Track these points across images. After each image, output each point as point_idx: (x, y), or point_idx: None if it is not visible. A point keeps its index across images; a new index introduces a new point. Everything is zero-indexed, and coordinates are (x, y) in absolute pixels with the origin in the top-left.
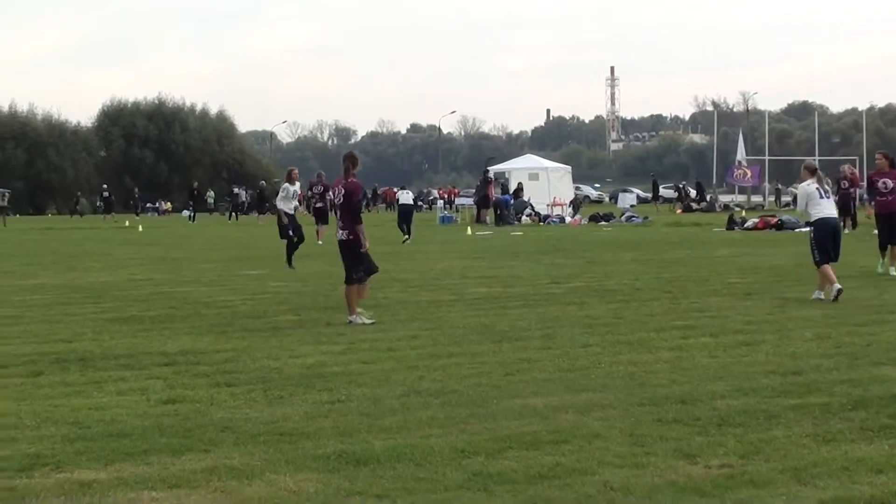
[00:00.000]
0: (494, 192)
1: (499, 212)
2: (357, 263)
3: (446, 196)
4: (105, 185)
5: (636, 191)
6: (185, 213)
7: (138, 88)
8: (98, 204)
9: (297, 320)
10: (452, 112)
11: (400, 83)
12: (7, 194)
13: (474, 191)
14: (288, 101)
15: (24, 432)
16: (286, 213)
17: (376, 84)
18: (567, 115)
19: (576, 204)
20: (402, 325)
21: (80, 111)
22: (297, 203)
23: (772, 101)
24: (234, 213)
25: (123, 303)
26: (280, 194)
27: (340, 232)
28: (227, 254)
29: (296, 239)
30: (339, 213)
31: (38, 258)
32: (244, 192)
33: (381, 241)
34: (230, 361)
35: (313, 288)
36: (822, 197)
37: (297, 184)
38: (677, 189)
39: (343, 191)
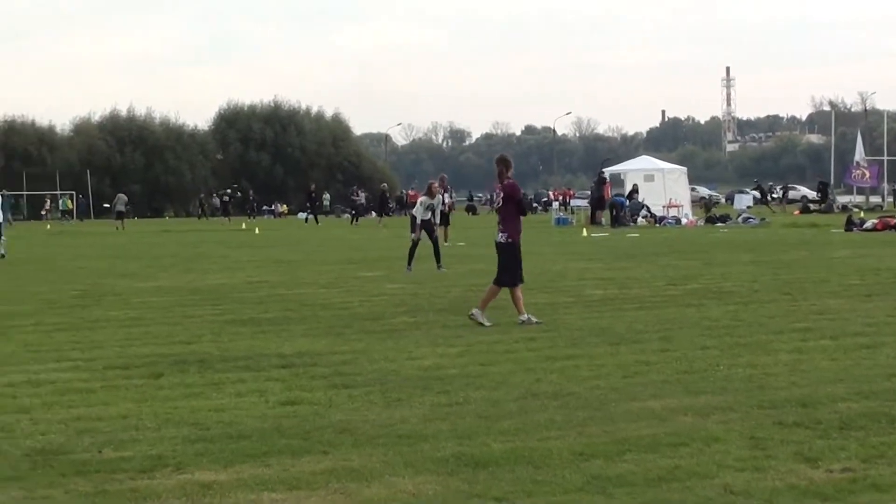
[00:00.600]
0: (610, 193)
1: (614, 213)
2: (511, 268)
3: (561, 198)
4: (235, 185)
5: (752, 192)
6: (302, 215)
7: (255, 91)
8: (220, 204)
9: (413, 322)
10: (567, 113)
11: (514, 84)
12: (125, 200)
13: (589, 192)
14: (402, 103)
15: (146, 434)
16: (420, 220)
17: (490, 85)
18: (682, 116)
19: (708, 204)
20: (519, 328)
21: (198, 114)
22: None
23: (891, 99)
24: (355, 217)
25: (241, 305)
26: (418, 207)
27: (500, 234)
28: (344, 256)
29: (415, 240)
30: (499, 215)
31: (157, 261)
32: (363, 195)
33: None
34: (347, 363)
35: (430, 290)
36: None
37: (439, 196)
38: (759, 189)
39: (502, 193)
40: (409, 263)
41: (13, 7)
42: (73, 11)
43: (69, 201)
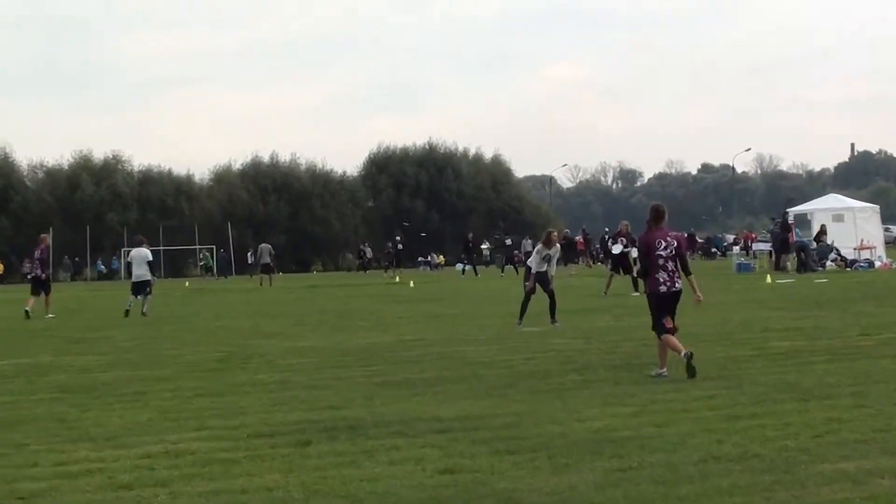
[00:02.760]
0: (795, 236)
1: (800, 257)
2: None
3: (742, 241)
4: (398, 238)
5: None
6: (459, 266)
7: (407, 135)
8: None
9: (582, 380)
10: (747, 150)
11: (689, 121)
12: (270, 250)
13: (772, 235)
14: (568, 144)
15: None
16: (535, 271)
17: (663, 123)
18: (874, 150)
19: None
20: (696, 385)
21: (347, 160)
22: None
23: None
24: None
25: (394, 365)
26: (534, 257)
27: (677, 284)
28: (505, 309)
29: (528, 291)
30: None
31: (304, 318)
32: (529, 242)
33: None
34: (511, 427)
35: (598, 345)
36: None
37: (556, 246)
38: None
39: (676, 242)
40: (521, 317)
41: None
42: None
43: (209, 256)
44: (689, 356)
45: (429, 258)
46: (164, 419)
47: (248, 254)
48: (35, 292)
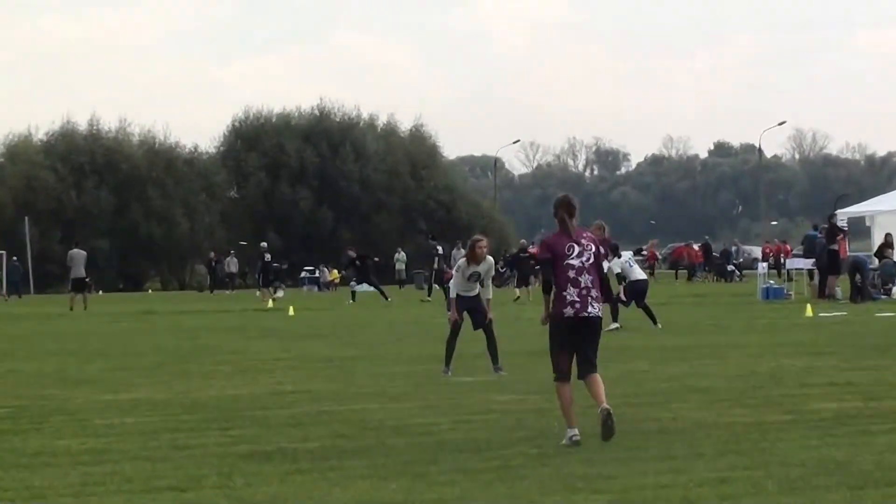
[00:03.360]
0: (848, 249)
1: (856, 280)
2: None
3: (772, 256)
4: (264, 245)
5: None
6: (356, 286)
7: (288, 96)
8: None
9: (537, 455)
10: (781, 124)
11: (695, 85)
12: (84, 258)
13: (814, 247)
14: (522, 114)
15: None
16: (456, 295)
17: (658, 87)
18: None
19: None
20: (703, 462)
21: (199, 131)
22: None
23: None
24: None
25: (266, 429)
26: (456, 276)
27: (593, 307)
28: (427, 350)
29: (451, 322)
30: (585, 277)
31: (134, 359)
32: (459, 250)
33: (673, 328)
34: None
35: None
36: None
37: (488, 260)
38: None
39: (593, 247)
40: (447, 362)
41: None
42: None
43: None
44: (607, 414)
45: (317, 273)
46: None
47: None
48: None
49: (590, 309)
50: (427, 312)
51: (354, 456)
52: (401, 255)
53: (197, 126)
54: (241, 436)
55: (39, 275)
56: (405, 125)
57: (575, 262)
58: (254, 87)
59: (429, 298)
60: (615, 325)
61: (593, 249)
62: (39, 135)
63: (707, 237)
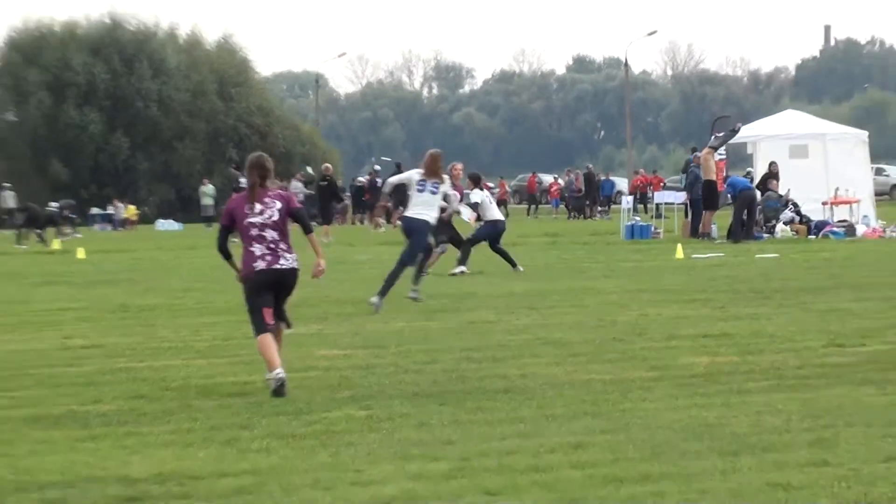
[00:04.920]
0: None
1: (735, 216)
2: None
3: (638, 189)
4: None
5: None
6: (163, 223)
7: (73, 2)
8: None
9: (366, 417)
10: (651, 33)
11: None
12: None
13: (684, 177)
14: (349, 23)
15: None
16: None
17: None
18: (861, 39)
19: None
20: (556, 425)
21: None
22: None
23: None
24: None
25: (52, 389)
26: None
27: (285, 259)
28: (238, 298)
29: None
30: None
31: None
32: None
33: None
34: (245, 493)
35: (393, 359)
36: None
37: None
38: None
39: (280, 203)
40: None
41: None
42: None
43: None
44: (280, 383)
45: (110, 210)
46: None
47: None
48: None
49: (280, 261)
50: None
51: (155, 420)
52: (208, 188)
53: None
54: (24, 398)
55: None
56: (211, 37)
57: (257, 220)
58: None
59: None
60: (461, 268)
61: (278, 206)
62: None
63: (588, 166)
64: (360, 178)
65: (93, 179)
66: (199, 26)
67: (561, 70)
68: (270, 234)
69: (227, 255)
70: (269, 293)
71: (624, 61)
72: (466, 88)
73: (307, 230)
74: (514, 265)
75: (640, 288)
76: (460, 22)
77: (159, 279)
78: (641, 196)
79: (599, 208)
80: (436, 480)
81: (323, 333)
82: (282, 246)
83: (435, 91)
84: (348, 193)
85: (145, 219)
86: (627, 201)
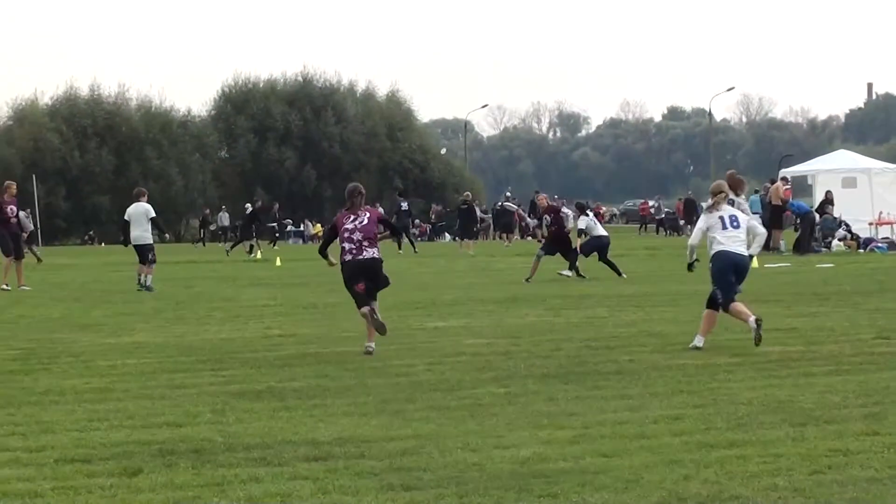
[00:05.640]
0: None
1: (799, 235)
2: None
3: None
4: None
5: None
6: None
7: (274, 63)
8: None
9: (505, 394)
10: (730, 89)
11: (651, 50)
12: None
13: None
14: (490, 78)
15: None
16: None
17: (617, 52)
18: None
19: None
20: (658, 401)
21: (191, 95)
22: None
23: None
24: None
25: (255, 369)
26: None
27: (367, 251)
28: (404, 297)
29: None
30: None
31: (134, 306)
32: (445, 209)
33: (629, 278)
34: (409, 454)
35: (526, 347)
36: None
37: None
38: None
39: (367, 215)
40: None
41: None
42: None
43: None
44: (368, 352)
45: (301, 228)
46: None
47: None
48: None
49: (363, 253)
50: (403, 263)
51: (337, 394)
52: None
53: (190, 91)
54: (232, 376)
55: (47, 229)
56: (382, 90)
57: (349, 226)
58: (243, 54)
59: (400, 251)
60: (568, 272)
61: (367, 216)
62: (45, 99)
63: (689, 192)
64: (507, 204)
65: (287, 204)
66: (372, 82)
67: (658, 118)
68: (357, 235)
69: (324, 255)
70: (358, 277)
71: (708, 111)
72: (583, 132)
73: (394, 233)
74: (619, 273)
75: None
76: (579, 78)
77: (340, 282)
78: None
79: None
80: (562, 445)
81: (470, 326)
82: (365, 244)
83: (558, 134)
84: (490, 215)
85: None
86: None
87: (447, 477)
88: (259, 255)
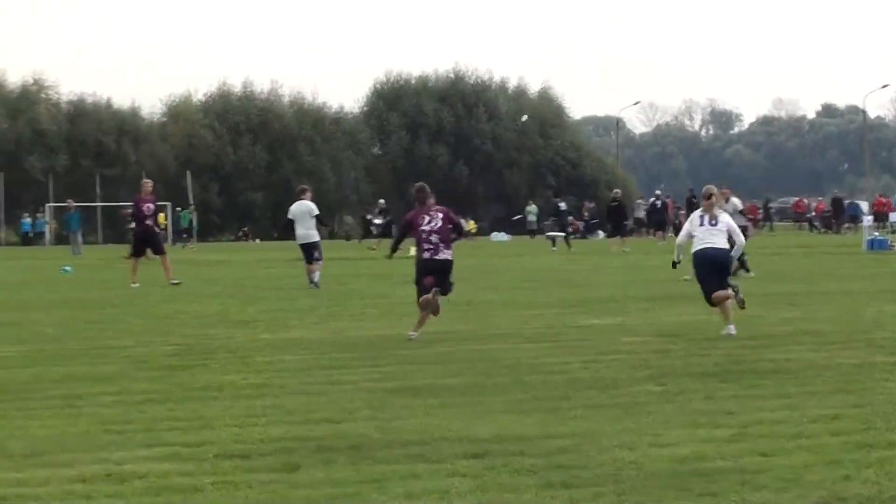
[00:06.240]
0: None
1: None
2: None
3: (878, 210)
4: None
5: None
6: (497, 235)
7: (425, 60)
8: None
9: (662, 392)
10: (884, 86)
11: (804, 47)
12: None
13: None
14: (642, 76)
15: None
16: None
17: (769, 49)
18: None
19: None
20: (816, 400)
21: (344, 92)
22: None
23: None
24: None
25: (411, 365)
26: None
27: (442, 253)
28: (558, 295)
29: None
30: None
31: (288, 302)
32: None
33: (785, 276)
34: (566, 452)
35: (683, 345)
36: None
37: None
38: None
39: (440, 215)
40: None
41: None
42: None
43: (190, 215)
44: (411, 339)
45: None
46: (105, 431)
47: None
48: None
49: (439, 254)
50: (556, 260)
51: (494, 392)
52: (532, 208)
53: (342, 88)
54: (389, 372)
55: (202, 224)
56: (533, 87)
57: (426, 227)
58: (394, 51)
59: (554, 248)
60: (743, 272)
61: (440, 216)
62: (198, 96)
63: (836, 191)
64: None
65: (439, 201)
66: (524, 79)
67: (811, 115)
68: (434, 238)
69: (395, 249)
70: (430, 274)
71: (862, 108)
72: (736, 129)
73: (460, 234)
74: (747, 270)
75: (880, 289)
76: (731, 76)
77: (494, 280)
78: (880, 215)
79: (846, 225)
80: (720, 443)
81: (625, 324)
82: (441, 246)
83: (711, 131)
84: (644, 212)
85: (482, 231)
86: (868, 220)
87: (605, 475)
88: (412, 252)
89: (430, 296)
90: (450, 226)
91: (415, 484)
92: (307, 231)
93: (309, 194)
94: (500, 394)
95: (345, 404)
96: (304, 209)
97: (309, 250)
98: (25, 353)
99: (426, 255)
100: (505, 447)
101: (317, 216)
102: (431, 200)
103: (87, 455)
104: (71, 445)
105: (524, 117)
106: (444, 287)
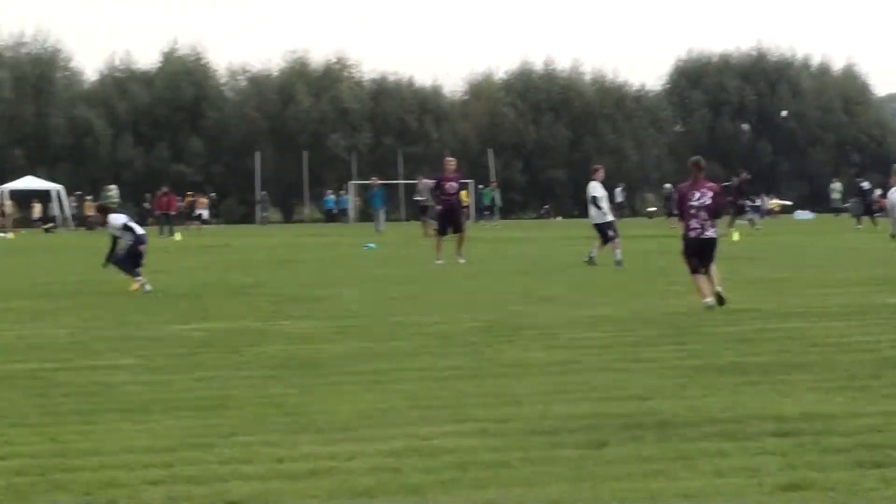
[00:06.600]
0: None
1: None
2: None
3: None
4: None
5: None
6: (800, 213)
7: (727, 38)
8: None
9: None
10: None
11: None
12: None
13: None
14: None
15: None
16: None
17: None
18: None
19: None
20: None
21: (645, 70)
22: None
23: None
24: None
25: (716, 343)
26: None
27: (708, 231)
28: (865, 273)
29: None
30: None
31: (590, 279)
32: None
33: None
34: (877, 431)
35: None
36: None
37: None
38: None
39: (709, 192)
40: None
41: None
42: None
43: (492, 193)
44: (708, 307)
45: (757, 202)
46: (412, 407)
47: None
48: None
49: (705, 233)
50: (861, 239)
51: (801, 370)
52: (836, 185)
53: (643, 66)
54: (693, 350)
55: (504, 202)
56: (837, 64)
57: (695, 203)
58: (695, 29)
59: (859, 226)
60: None
61: (709, 195)
62: (500, 74)
63: None
64: None
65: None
66: (827, 55)
67: None
68: (703, 214)
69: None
70: (696, 251)
71: None
72: None
73: (718, 213)
74: None
75: None
76: None
77: (791, 258)
78: None
79: None
80: None
81: None
82: (708, 223)
83: None
84: None
85: (787, 209)
86: None
87: None
88: (735, 237)
89: (702, 275)
90: (715, 206)
91: (723, 462)
92: (594, 213)
93: (598, 173)
94: (807, 372)
95: (650, 381)
96: (588, 189)
97: (601, 230)
98: (333, 328)
99: (692, 233)
100: (813, 426)
101: (593, 198)
102: (702, 176)
103: (395, 430)
104: (378, 420)
105: (784, 112)
106: (708, 263)
